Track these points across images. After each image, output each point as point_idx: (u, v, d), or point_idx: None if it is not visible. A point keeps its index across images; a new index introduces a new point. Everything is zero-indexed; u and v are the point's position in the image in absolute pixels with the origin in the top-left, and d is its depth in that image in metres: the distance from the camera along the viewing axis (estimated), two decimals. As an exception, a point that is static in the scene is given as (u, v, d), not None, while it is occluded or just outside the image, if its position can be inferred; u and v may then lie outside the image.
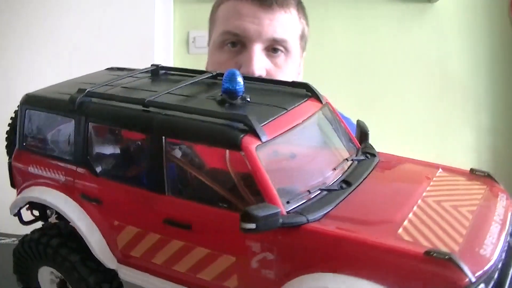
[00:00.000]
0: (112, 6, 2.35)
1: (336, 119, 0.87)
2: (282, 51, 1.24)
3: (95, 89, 0.86)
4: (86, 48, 2.33)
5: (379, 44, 2.49)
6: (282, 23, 1.22)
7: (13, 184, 1.01)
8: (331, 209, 0.68)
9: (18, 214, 1.00)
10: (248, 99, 0.79)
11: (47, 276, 0.96)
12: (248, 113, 0.71)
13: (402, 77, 2.50)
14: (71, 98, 0.85)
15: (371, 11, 2.47)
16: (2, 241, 1.40)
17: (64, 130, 0.89)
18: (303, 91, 0.85)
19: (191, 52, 2.47)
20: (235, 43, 1.23)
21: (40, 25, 2.34)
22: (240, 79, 0.77)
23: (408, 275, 0.60)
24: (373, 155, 0.86)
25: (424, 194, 0.73)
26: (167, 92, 0.84)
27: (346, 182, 0.75)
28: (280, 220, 0.64)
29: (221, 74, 0.82)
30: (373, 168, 0.81)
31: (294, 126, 0.75)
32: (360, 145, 0.89)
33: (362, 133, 0.90)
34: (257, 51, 1.20)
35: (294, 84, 0.87)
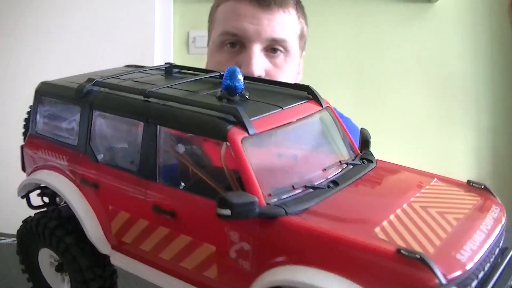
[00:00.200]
0: (112, 6, 2.36)
1: (336, 124, 0.87)
2: (281, 51, 1.24)
3: (103, 80, 0.89)
4: (87, 48, 2.35)
5: (379, 44, 2.48)
6: (281, 23, 1.22)
7: (23, 168, 1.06)
8: (312, 206, 0.67)
9: (27, 198, 1.04)
10: (247, 97, 0.80)
11: (46, 259, 0.98)
12: (241, 108, 0.72)
13: (402, 77, 2.49)
14: (79, 86, 0.88)
15: (371, 11, 2.47)
16: (2, 241, 1.40)
17: (72, 117, 0.92)
18: (305, 94, 0.86)
19: (191, 52, 2.49)
20: (234, 44, 1.23)
21: (40, 25, 2.38)
22: (240, 77, 0.78)
23: (378, 272, 0.58)
24: (370, 161, 0.85)
25: (412, 199, 0.71)
26: (169, 85, 0.86)
27: (334, 183, 0.74)
28: (257, 210, 0.64)
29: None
30: (366, 172, 0.80)
31: (286, 124, 0.75)
32: (361, 152, 0.89)
33: (364, 140, 0.89)
34: (256, 51, 1.20)
35: (296, 86, 0.88)
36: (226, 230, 0.69)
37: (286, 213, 0.65)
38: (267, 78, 1.19)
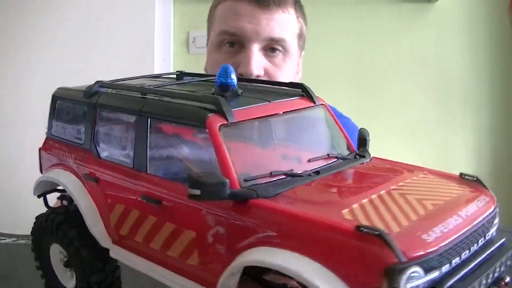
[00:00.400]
0: (112, 7, 2.37)
1: (330, 121, 0.87)
2: (280, 50, 1.24)
3: (110, 82, 0.94)
4: (87, 48, 2.36)
5: (379, 44, 2.46)
6: (280, 23, 1.22)
7: (41, 170, 1.11)
8: (285, 190, 0.67)
9: (44, 198, 1.09)
10: (239, 93, 0.82)
11: (57, 255, 1.01)
12: (224, 99, 0.74)
13: (402, 77, 2.46)
14: (87, 88, 0.94)
15: (371, 11, 2.45)
16: (2, 241, 1.39)
17: (80, 118, 0.97)
18: (299, 91, 0.87)
19: (191, 52, 2.49)
20: (233, 43, 1.24)
21: (40, 25, 2.40)
22: (233, 75, 0.81)
23: (339, 250, 0.57)
24: (363, 156, 0.84)
25: (393, 187, 0.70)
26: (169, 84, 0.91)
27: (316, 172, 0.75)
28: (228, 192, 0.65)
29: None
30: (355, 165, 0.80)
31: (270, 116, 0.76)
32: (358, 150, 0.88)
33: (361, 139, 0.89)
34: (255, 50, 1.20)
35: (291, 85, 0.89)
36: (203, 215, 0.70)
37: (257, 196, 0.66)
38: (266, 77, 1.21)
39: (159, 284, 0.81)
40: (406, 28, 2.46)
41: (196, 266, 0.73)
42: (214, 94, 0.80)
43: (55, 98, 1.04)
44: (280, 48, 1.24)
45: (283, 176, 0.71)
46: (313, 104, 0.84)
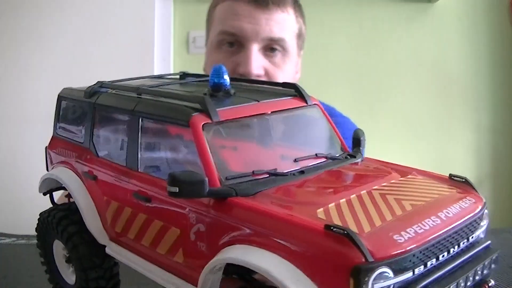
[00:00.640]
0: (112, 7, 2.38)
1: (323, 121, 0.87)
2: (279, 50, 1.24)
3: (110, 82, 0.97)
4: (87, 48, 2.37)
5: (379, 43, 2.45)
6: (279, 22, 1.22)
7: (47, 168, 1.14)
8: (265, 189, 0.68)
9: (50, 195, 1.12)
10: (231, 93, 0.83)
11: (60, 251, 1.03)
12: (211, 99, 0.75)
13: (402, 77, 2.46)
14: (88, 88, 0.96)
15: (371, 11, 2.44)
16: (2, 241, 1.40)
17: (82, 117, 0.99)
18: (292, 91, 0.87)
19: (191, 52, 2.50)
20: (233, 43, 1.24)
21: (40, 25, 2.42)
22: (226, 75, 0.82)
23: (310, 249, 0.57)
24: (354, 156, 0.84)
25: (375, 187, 0.70)
26: (166, 85, 0.92)
27: (301, 172, 0.75)
28: (207, 190, 0.65)
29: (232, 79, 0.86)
30: (343, 165, 0.80)
31: (257, 115, 0.76)
32: (353, 150, 0.88)
33: (355, 139, 0.89)
34: (254, 50, 1.21)
35: (284, 85, 0.89)
36: (186, 213, 0.71)
37: (236, 194, 0.66)
38: (265, 77, 1.21)
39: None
40: (406, 28, 2.45)
41: (181, 263, 0.74)
42: (206, 94, 0.81)
43: (60, 98, 1.07)
44: (279, 48, 1.25)
45: (267, 175, 0.72)
46: (305, 104, 0.85)
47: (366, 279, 0.54)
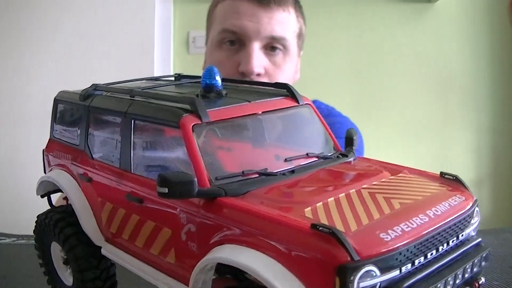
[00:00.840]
0: (112, 7, 2.38)
1: (315, 121, 0.87)
2: (280, 49, 1.24)
3: (104, 85, 0.97)
4: (87, 48, 2.38)
5: (379, 44, 2.45)
6: (281, 21, 1.23)
7: (44, 170, 1.15)
8: (255, 189, 0.68)
9: (48, 198, 1.13)
10: (223, 94, 0.83)
11: (58, 253, 1.04)
12: (202, 100, 0.76)
13: (402, 77, 2.46)
14: (82, 91, 0.97)
15: (371, 11, 2.45)
16: (2, 241, 1.41)
17: (77, 120, 1.00)
18: (284, 92, 0.87)
19: (191, 52, 2.50)
20: (234, 42, 1.24)
21: (40, 25, 2.43)
22: (217, 76, 0.82)
23: (296, 248, 0.58)
24: (345, 155, 0.84)
25: (364, 186, 0.70)
26: (159, 87, 0.93)
27: (291, 172, 0.75)
28: (196, 190, 0.66)
29: (224, 80, 0.86)
30: (334, 164, 0.80)
31: (248, 115, 0.77)
32: (345, 149, 0.88)
33: (348, 138, 0.89)
34: (256, 49, 1.21)
35: (276, 85, 0.89)
36: (177, 213, 0.71)
37: (226, 194, 0.66)
38: (266, 77, 1.21)
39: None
40: (406, 28, 2.45)
41: (173, 263, 0.75)
42: (198, 95, 0.81)
43: (56, 101, 1.07)
44: (280, 47, 1.25)
45: (257, 175, 0.72)
46: (297, 104, 0.85)
47: (351, 277, 0.54)
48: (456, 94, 2.48)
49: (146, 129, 0.82)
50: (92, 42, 2.39)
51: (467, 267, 0.65)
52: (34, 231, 1.07)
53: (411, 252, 0.59)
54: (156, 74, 2.16)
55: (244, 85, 0.93)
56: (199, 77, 1.06)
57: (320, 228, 0.56)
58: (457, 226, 0.67)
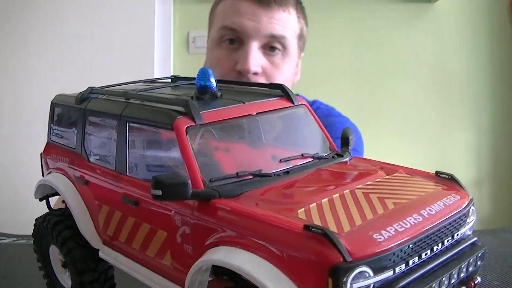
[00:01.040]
0: (112, 7, 2.38)
1: (310, 121, 0.87)
2: (279, 49, 1.24)
3: (100, 88, 0.97)
4: (87, 48, 2.37)
5: (380, 44, 2.45)
6: (281, 21, 1.22)
7: (43, 173, 1.15)
8: (249, 190, 0.68)
9: (47, 201, 1.13)
10: (218, 96, 0.83)
11: (56, 256, 1.04)
12: (195, 102, 0.76)
13: (402, 77, 2.46)
14: (78, 94, 0.97)
15: (371, 11, 2.44)
16: (2, 241, 1.40)
17: (74, 123, 1.00)
18: (279, 92, 0.87)
19: (191, 52, 2.49)
20: (233, 40, 1.24)
21: (40, 25, 2.42)
22: (212, 78, 0.82)
23: (289, 250, 0.58)
24: (341, 156, 0.84)
25: (359, 186, 0.70)
26: (155, 89, 0.93)
27: (286, 172, 0.75)
28: (190, 192, 0.66)
29: (219, 81, 0.87)
30: (329, 165, 0.80)
31: (242, 117, 0.77)
32: (341, 149, 0.88)
33: (343, 138, 0.89)
34: (254, 48, 1.21)
35: (270, 86, 0.90)
36: (172, 215, 0.71)
37: (220, 195, 0.66)
38: (264, 77, 1.21)
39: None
40: (406, 28, 2.45)
41: (169, 265, 0.75)
42: (193, 97, 0.81)
43: (53, 105, 1.07)
44: (279, 46, 1.24)
45: (251, 176, 0.72)
46: (291, 105, 0.85)
47: (344, 279, 0.54)
48: (456, 94, 2.47)
49: (141, 131, 0.82)
50: (92, 42, 2.39)
51: (462, 266, 0.65)
52: (32, 234, 1.07)
53: (405, 252, 0.59)
54: (156, 74, 2.17)
55: (239, 86, 0.93)
56: (194, 78, 1.07)
57: (313, 229, 0.56)
58: (452, 226, 0.67)
